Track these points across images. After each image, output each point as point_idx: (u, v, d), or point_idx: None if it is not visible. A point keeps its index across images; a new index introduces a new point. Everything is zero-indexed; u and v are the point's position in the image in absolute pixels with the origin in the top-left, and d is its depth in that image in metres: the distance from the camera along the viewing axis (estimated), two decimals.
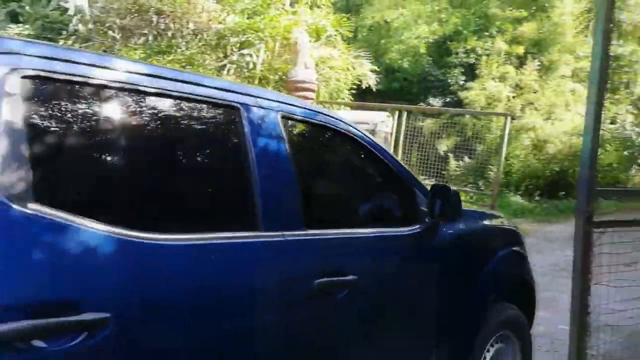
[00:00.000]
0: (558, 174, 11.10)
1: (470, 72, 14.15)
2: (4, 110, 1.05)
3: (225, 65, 8.07)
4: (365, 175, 2.24)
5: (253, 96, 1.61)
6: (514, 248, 2.70)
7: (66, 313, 1.07)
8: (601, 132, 2.16)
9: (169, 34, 7.59)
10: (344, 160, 2.19)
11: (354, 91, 10.24)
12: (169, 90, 1.38)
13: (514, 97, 13.35)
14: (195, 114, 1.51)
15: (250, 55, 7.73)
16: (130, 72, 1.33)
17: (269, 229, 1.50)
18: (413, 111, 8.48)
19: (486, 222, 2.75)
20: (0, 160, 1.03)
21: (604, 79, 2.13)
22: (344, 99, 9.74)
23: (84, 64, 1.23)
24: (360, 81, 9.83)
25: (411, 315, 2.08)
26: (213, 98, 1.49)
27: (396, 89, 14.83)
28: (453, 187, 2.24)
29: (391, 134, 8.67)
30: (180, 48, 7.59)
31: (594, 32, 2.19)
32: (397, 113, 7.55)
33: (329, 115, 1.94)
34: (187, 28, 7.81)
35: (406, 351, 2.07)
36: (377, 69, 10.53)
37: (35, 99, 1.14)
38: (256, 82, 8.98)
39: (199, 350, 1.34)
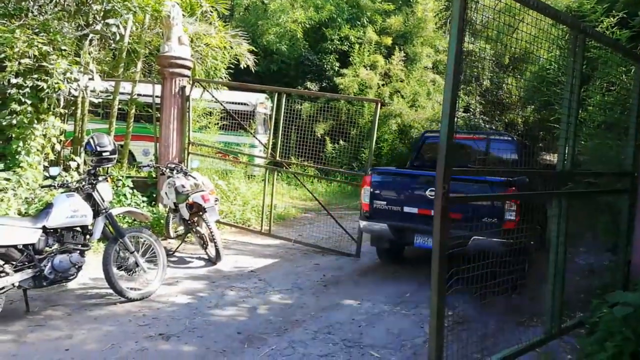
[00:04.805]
0: None
1: (344, 59, 14.75)
2: None
3: (87, 35, 7.28)
4: None
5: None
6: None
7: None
8: (455, 118, 2.42)
9: None
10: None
11: (231, 71, 10.02)
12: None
13: (383, 85, 14.27)
14: None
15: (117, 26, 7.05)
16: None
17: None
18: (292, 94, 8.59)
19: None
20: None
21: (458, 71, 2.39)
22: (221, 78, 9.48)
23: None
24: (238, 61, 9.64)
25: None
26: None
27: (274, 71, 14.86)
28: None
29: (270, 115, 8.70)
30: (32, 12, 6.66)
31: (450, 29, 2.43)
32: (276, 95, 7.58)
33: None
34: None
35: None
36: (255, 50, 10.42)
37: None
38: (124, 55, 8.29)
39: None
